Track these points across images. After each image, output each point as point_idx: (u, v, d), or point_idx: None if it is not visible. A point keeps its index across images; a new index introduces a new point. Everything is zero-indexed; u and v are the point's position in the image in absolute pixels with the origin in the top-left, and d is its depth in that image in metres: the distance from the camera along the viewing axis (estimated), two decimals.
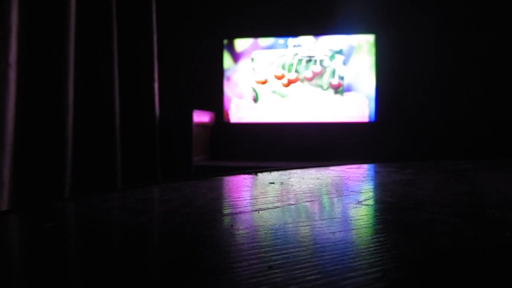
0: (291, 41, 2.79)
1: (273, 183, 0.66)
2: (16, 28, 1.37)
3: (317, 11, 2.78)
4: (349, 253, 0.31)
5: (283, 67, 2.79)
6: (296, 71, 2.79)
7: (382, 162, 0.99)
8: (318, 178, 0.72)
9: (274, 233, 0.36)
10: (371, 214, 0.45)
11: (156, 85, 2.08)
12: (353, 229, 0.38)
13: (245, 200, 0.54)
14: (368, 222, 0.42)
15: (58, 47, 1.55)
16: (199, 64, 2.89)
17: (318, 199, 0.54)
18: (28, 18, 1.45)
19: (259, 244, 0.33)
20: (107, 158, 1.78)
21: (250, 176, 0.76)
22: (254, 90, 2.83)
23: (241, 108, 2.86)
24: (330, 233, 0.35)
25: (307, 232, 0.36)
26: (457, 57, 2.67)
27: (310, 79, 2.77)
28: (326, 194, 0.58)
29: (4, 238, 0.40)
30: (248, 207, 0.47)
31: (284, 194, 0.57)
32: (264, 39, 2.84)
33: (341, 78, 2.75)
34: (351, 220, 0.42)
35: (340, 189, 0.64)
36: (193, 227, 0.39)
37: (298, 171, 0.82)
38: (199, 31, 2.89)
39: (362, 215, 0.44)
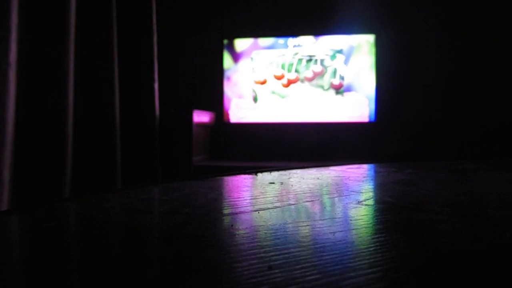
0: (291, 41, 2.79)
1: (273, 183, 0.66)
2: (16, 28, 1.37)
3: (317, 11, 2.78)
4: (349, 253, 0.31)
5: (283, 67, 2.79)
6: (296, 71, 2.78)
7: (382, 162, 0.99)
8: (318, 178, 0.72)
9: (274, 233, 0.36)
10: (371, 214, 0.45)
11: (156, 85, 2.08)
12: (353, 229, 0.38)
13: (245, 200, 0.54)
14: (368, 222, 0.42)
15: (58, 47, 1.55)
16: (199, 64, 2.89)
17: (318, 199, 0.54)
18: (28, 18, 1.45)
19: (259, 244, 0.33)
20: (107, 158, 1.78)
21: (250, 176, 0.76)
22: (254, 91, 2.83)
23: (241, 108, 2.86)
24: (330, 233, 0.35)
25: (307, 232, 0.36)
26: (457, 57, 2.67)
27: (310, 79, 2.77)
28: (326, 194, 0.58)
29: (4, 238, 0.40)
30: (248, 207, 0.47)
31: (284, 194, 0.57)
32: (264, 39, 2.83)
33: (342, 78, 2.74)
34: (351, 220, 0.42)
35: (340, 189, 0.64)
36: (193, 227, 0.39)
37: (298, 171, 0.81)
38: (199, 31, 2.88)
39: (362, 215, 0.44)
